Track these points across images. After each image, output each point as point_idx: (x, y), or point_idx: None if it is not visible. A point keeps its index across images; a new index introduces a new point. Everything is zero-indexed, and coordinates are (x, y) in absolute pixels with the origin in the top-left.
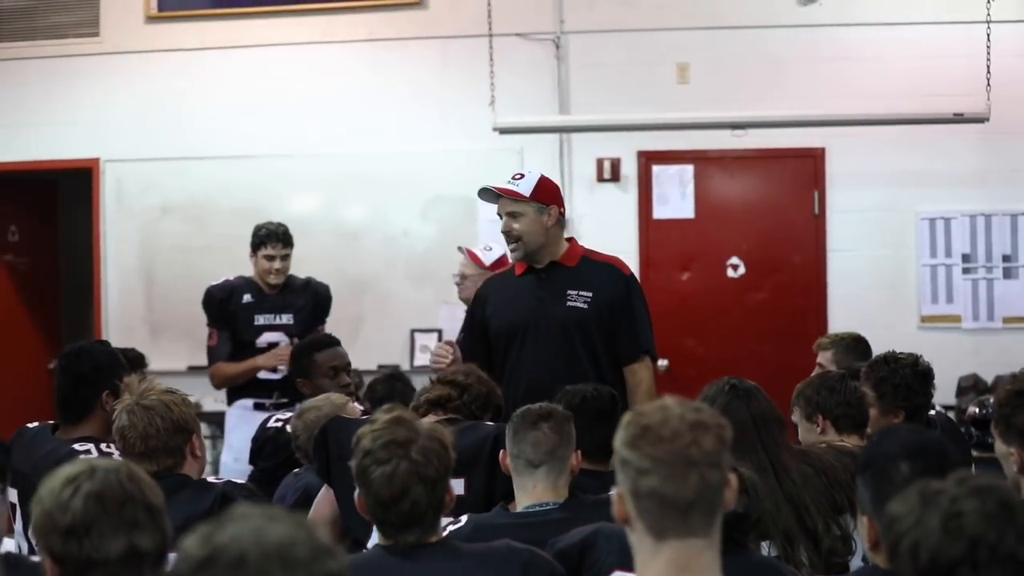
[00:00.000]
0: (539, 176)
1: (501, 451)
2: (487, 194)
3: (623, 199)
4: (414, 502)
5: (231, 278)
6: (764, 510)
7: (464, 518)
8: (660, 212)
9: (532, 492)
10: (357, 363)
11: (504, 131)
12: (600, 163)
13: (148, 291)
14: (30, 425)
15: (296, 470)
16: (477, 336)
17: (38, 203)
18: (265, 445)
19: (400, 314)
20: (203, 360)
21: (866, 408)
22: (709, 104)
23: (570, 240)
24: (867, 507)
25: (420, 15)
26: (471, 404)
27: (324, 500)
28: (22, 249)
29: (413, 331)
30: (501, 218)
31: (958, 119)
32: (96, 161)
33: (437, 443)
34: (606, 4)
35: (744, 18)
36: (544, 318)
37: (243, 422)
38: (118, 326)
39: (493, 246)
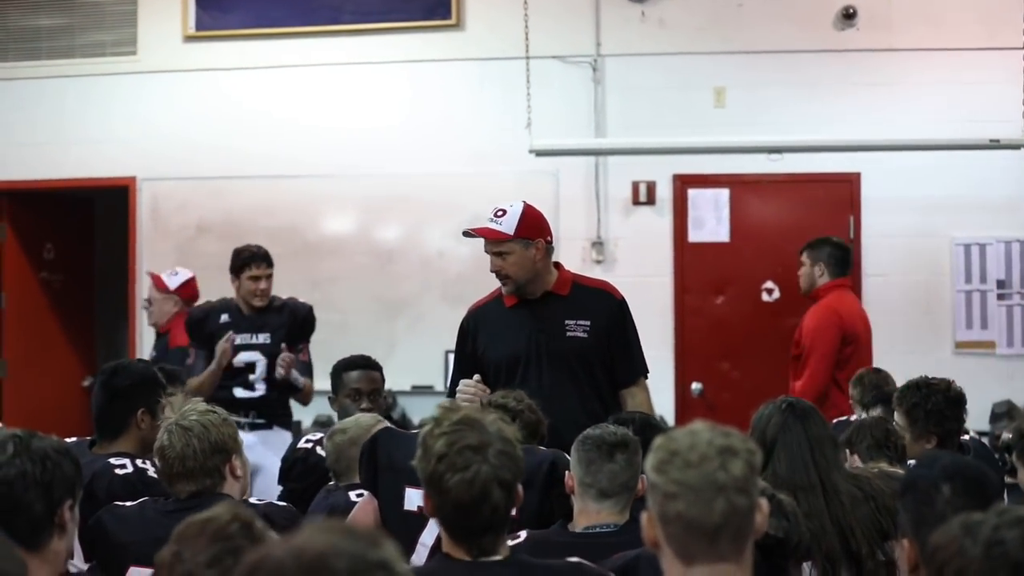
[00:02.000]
0: (521, 209)
1: (567, 472)
2: (469, 235)
3: (658, 222)
4: (494, 507)
5: (213, 300)
6: (803, 534)
7: (523, 534)
8: (695, 235)
9: (596, 516)
10: (391, 383)
11: (540, 153)
12: (636, 186)
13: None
14: (68, 440)
15: (328, 485)
16: (468, 371)
17: (74, 221)
18: (294, 466)
19: (434, 335)
20: None
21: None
22: (745, 128)
23: (557, 266)
24: (907, 530)
25: (458, 37)
26: (520, 431)
27: (366, 508)
28: (58, 266)
29: (447, 352)
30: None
31: (994, 145)
32: (132, 179)
33: (509, 445)
34: (643, 28)
35: (781, 43)
36: (545, 349)
37: None
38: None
39: (179, 270)
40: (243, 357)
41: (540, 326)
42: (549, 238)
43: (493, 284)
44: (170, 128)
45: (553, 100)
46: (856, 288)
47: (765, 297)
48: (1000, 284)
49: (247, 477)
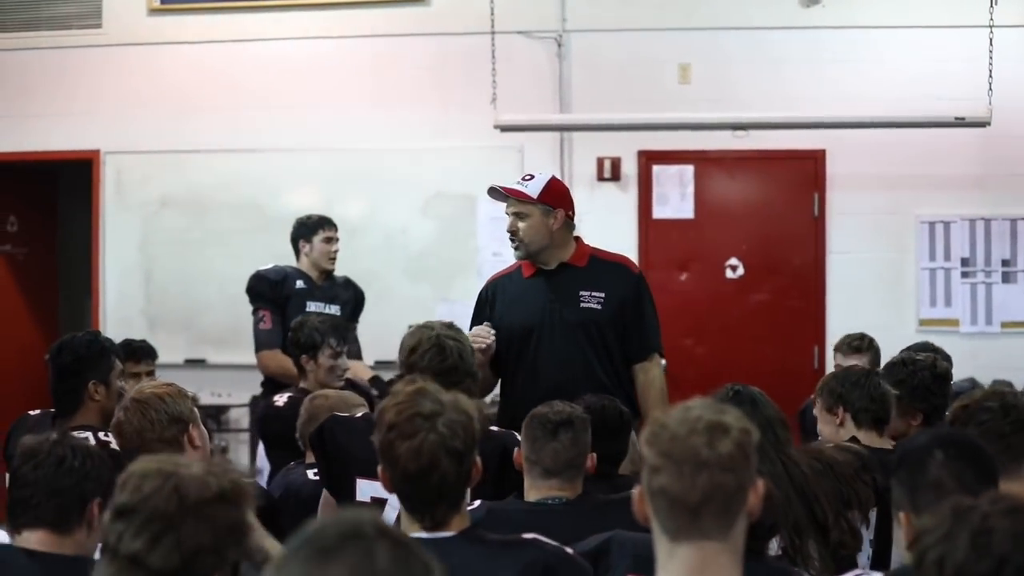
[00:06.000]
0: (549, 178)
1: (516, 449)
2: (495, 193)
3: (623, 199)
4: (443, 475)
5: (279, 264)
6: (776, 512)
7: (477, 502)
8: (660, 212)
9: (546, 491)
10: None
11: (505, 129)
12: (600, 162)
13: (146, 284)
14: (32, 412)
15: (290, 464)
16: None
17: (38, 194)
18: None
19: (398, 310)
20: (200, 353)
21: (889, 406)
22: (710, 105)
23: (577, 240)
24: (904, 503)
25: (423, 12)
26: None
27: (326, 504)
28: (21, 240)
29: (410, 326)
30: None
31: (959, 123)
32: (96, 153)
33: (464, 415)
34: (608, 3)
35: (746, 19)
36: (559, 319)
37: None
38: (116, 318)
39: None
40: None
41: (554, 296)
42: (571, 212)
43: (456, 261)
44: (134, 101)
45: (518, 75)
46: (820, 265)
47: (729, 274)
48: (964, 262)
49: (207, 447)
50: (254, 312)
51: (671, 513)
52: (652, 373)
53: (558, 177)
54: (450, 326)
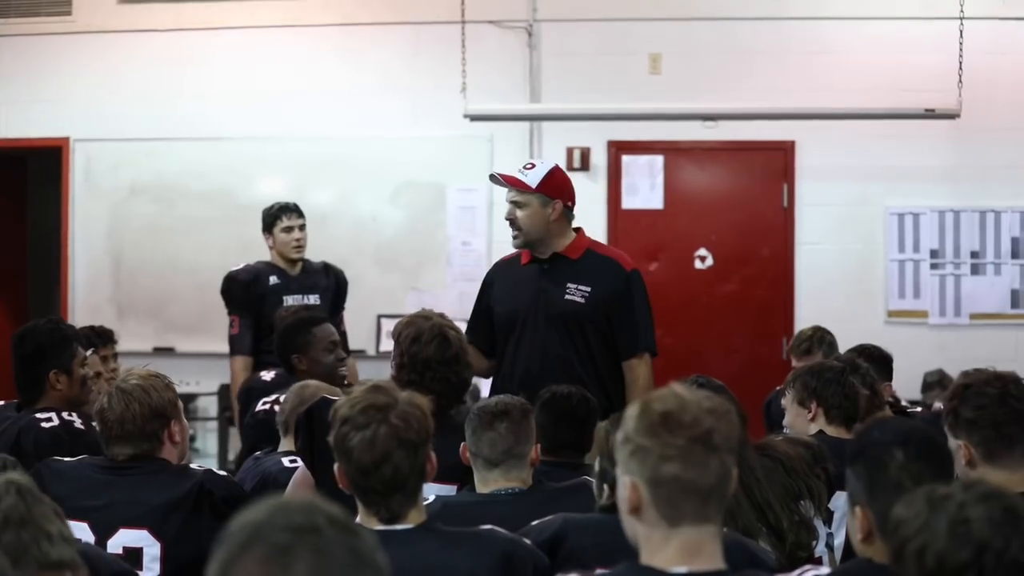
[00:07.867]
0: (550, 168)
1: (462, 444)
2: (495, 179)
3: (592, 189)
4: (396, 467)
5: (250, 263)
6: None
7: (432, 496)
8: (629, 202)
9: (494, 483)
10: None
11: (475, 118)
12: (570, 152)
13: (115, 271)
14: None
15: (257, 453)
16: (481, 321)
17: (7, 181)
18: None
19: (367, 299)
20: (169, 341)
21: (860, 404)
22: (680, 95)
23: (578, 231)
24: (860, 497)
25: (393, 0)
26: None
27: (303, 482)
28: None
29: (380, 316)
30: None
31: (929, 115)
32: (66, 140)
33: (417, 408)
34: None
35: (717, 9)
36: (542, 310)
37: None
38: (85, 306)
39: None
40: None
41: (543, 285)
42: (570, 203)
43: (425, 250)
44: (104, 89)
45: (488, 65)
46: (789, 256)
47: (698, 264)
48: (933, 254)
49: (186, 442)
50: (228, 315)
51: (681, 500)
52: (637, 371)
53: (561, 167)
54: (443, 316)
